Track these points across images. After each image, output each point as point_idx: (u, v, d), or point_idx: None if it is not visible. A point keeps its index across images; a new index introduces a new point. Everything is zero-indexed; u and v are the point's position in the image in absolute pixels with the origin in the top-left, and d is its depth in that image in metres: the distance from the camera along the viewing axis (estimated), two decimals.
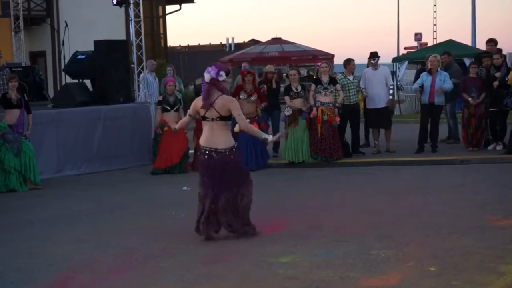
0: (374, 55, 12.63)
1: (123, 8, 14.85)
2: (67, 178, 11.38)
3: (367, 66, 13.63)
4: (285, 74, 16.96)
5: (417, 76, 13.19)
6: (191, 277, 5.62)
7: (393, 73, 18.64)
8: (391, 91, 12.78)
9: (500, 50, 12.92)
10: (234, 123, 6.99)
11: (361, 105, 13.27)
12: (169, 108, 11.68)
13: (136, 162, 12.47)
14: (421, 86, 12.34)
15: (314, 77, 12.53)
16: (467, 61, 16.43)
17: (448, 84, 12.23)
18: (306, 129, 11.62)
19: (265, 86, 12.32)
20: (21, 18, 16.27)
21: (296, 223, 7.47)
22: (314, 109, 11.54)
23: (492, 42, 13.33)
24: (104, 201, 9.42)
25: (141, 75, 13.72)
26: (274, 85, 12.54)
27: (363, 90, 12.51)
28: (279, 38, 29.35)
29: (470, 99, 12.18)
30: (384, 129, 12.68)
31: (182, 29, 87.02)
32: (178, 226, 7.64)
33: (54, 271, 5.97)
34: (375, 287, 5.26)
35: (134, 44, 13.52)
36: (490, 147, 12.27)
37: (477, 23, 24.47)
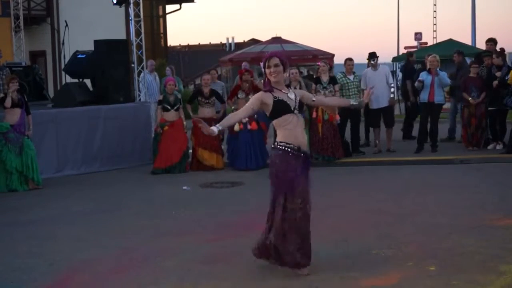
0: (372, 56, 12.65)
1: (123, 8, 14.85)
2: (67, 178, 11.37)
3: (368, 66, 13.65)
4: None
5: (416, 76, 13.20)
6: (191, 277, 5.62)
7: (393, 73, 18.66)
8: (392, 89, 12.79)
9: (502, 50, 12.94)
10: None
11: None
12: (169, 107, 11.68)
13: (136, 161, 12.47)
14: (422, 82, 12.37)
15: (314, 77, 12.53)
16: (467, 61, 16.44)
17: (446, 81, 12.29)
18: (306, 129, 11.61)
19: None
20: (21, 17, 16.29)
21: None
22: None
23: (491, 41, 13.34)
24: (104, 200, 9.42)
25: (141, 75, 13.73)
26: None
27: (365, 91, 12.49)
28: (279, 38, 29.29)
29: (470, 98, 12.18)
30: (386, 128, 12.69)
31: (182, 28, 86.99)
32: (178, 225, 7.64)
33: (54, 270, 5.98)
34: (375, 286, 5.26)
35: (134, 43, 13.52)
36: (490, 147, 12.28)
37: (477, 23, 24.47)
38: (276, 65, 5.45)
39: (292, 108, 5.51)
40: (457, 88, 12.62)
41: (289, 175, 5.44)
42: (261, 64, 5.56)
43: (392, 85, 12.83)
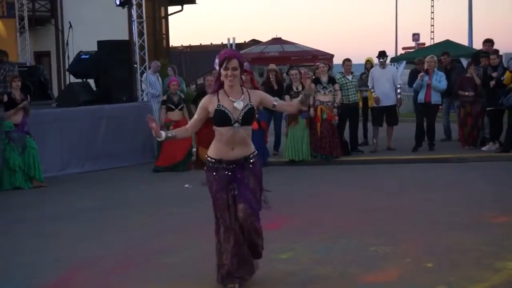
0: (382, 54, 12.75)
1: (126, 9, 14.93)
2: (71, 176, 11.45)
3: (365, 67, 13.75)
4: (285, 73, 17.03)
5: (411, 77, 13.32)
6: (193, 274, 5.66)
7: None
8: (398, 90, 12.89)
9: (496, 51, 13.03)
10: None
11: (360, 104, 13.38)
12: (173, 107, 11.80)
13: (139, 160, 12.56)
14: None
15: (314, 77, 12.66)
16: (464, 61, 16.55)
17: (443, 85, 12.38)
18: (306, 128, 11.73)
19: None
20: (26, 18, 16.38)
21: (296, 220, 7.53)
22: (311, 109, 11.65)
23: (489, 42, 13.41)
24: (107, 198, 9.48)
25: (144, 75, 13.81)
26: (274, 87, 12.61)
27: (372, 90, 12.63)
28: (280, 38, 29.37)
29: (466, 93, 12.28)
30: (387, 126, 12.79)
31: (184, 29, 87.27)
32: (180, 223, 7.71)
33: (58, 267, 6.03)
34: (373, 283, 5.32)
35: (137, 44, 13.59)
36: (485, 148, 12.21)
37: (473, 24, 24.57)
38: (234, 68, 4.94)
39: (232, 121, 4.92)
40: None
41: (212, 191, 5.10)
42: (216, 60, 4.88)
43: (399, 86, 12.92)
